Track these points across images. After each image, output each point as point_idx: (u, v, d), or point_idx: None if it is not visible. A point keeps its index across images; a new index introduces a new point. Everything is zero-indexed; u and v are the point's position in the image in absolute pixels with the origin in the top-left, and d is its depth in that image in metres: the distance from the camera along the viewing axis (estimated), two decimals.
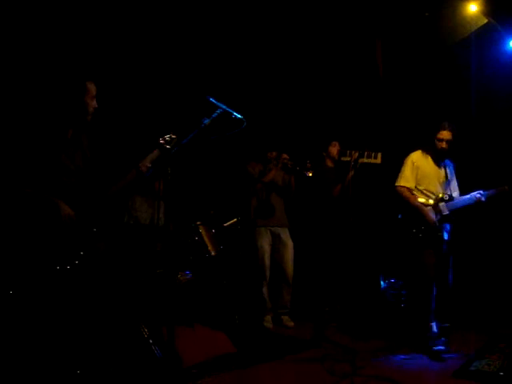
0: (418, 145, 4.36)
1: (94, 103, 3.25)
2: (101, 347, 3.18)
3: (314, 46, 5.72)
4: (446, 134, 4.14)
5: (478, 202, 4.09)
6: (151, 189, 4.32)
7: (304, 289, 5.24)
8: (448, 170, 4.23)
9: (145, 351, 3.28)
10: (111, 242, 3.55)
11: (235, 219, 4.75)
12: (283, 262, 4.95)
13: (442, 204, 4.15)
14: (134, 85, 4.91)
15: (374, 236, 5.34)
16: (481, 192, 4.10)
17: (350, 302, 5.01)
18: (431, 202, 4.17)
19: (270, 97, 5.79)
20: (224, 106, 3.14)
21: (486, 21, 5.02)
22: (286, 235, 5.01)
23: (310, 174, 4.58)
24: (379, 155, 4.97)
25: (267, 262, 4.90)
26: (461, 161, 4.44)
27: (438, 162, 4.26)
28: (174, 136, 3.21)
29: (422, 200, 4.20)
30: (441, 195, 4.16)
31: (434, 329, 3.99)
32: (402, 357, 3.91)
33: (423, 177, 4.25)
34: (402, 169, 4.33)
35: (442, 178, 4.23)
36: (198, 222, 4.37)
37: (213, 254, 4.28)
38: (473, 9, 4.98)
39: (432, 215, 4.12)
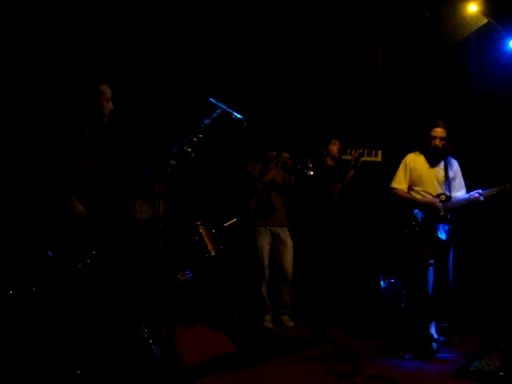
0: (418, 144, 4.36)
1: (109, 105, 3.30)
2: (101, 347, 3.18)
3: (314, 46, 5.72)
4: (439, 132, 4.12)
5: (476, 201, 4.04)
6: (151, 190, 4.32)
7: (304, 289, 5.24)
8: (450, 170, 4.19)
9: (145, 351, 3.27)
10: (120, 242, 3.57)
11: (235, 219, 4.75)
12: (283, 261, 4.95)
13: (437, 204, 4.12)
14: (133, 85, 4.91)
15: (374, 236, 5.34)
16: (479, 191, 4.05)
17: (349, 301, 5.01)
18: None
19: (269, 96, 5.78)
20: (224, 106, 3.14)
21: (485, 21, 5.02)
22: (285, 235, 5.01)
23: (311, 173, 4.57)
24: (380, 153, 4.97)
25: (266, 261, 4.90)
26: (461, 161, 4.43)
27: (434, 161, 4.23)
28: (194, 139, 3.21)
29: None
30: (439, 196, 4.14)
31: (432, 330, 3.99)
32: (402, 357, 3.91)
33: (419, 178, 4.24)
34: (397, 171, 4.35)
35: (442, 178, 4.20)
36: (198, 222, 4.37)
37: (213, 254, 4.28)
38: (473, 9, 4.97)
39: (433, 200, 4.11)
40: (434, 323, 4.00)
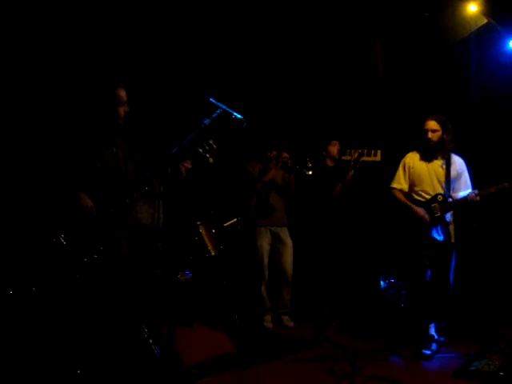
0: (416, 143, 4.33)
1: (124, 108, 3.33)
2: (101, 347, 3.18)
3: (314, 46, 5.72)
4: (430, 124, 4.05)
5: (472, 201, 3.96)
6: (151, 190, 4.32)
7: (304, 289, 5.24)
8: (452, 168, 4.08)
9: (145, 351, 3.28)
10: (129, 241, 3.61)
11: (235, 219, 4.75)
12: (283, 261, 4.95)
13: (434, 205, 4.06)
14: (133, 85, 4.90)
15: (374, 236, 5.34)
16: (476, 191, 3.99)
17: (349, 301, 5.01)
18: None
19: (270, 96, 5.78)
20: (224, 106, 3.14)
21: (485, 21, 5.02)
22: (285, 235, 5.01)
23: (310, 173, 4.57)
24: (379, 153, 4.97)
25: (266, 261, 4.90)
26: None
27: (430, 156, 4.14)
28: (214, 146, 3.22)
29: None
30: (436, 196, 4.07)
31: (432, 330, 3.98)
32: (402, 357, 3.91)
33: (418, 177, 4.18)
34: (396, 171, 4.33)
35: (442, 177, 4.11)
36: (198, 222, 4.37)
37: (213, 254, 4.29)
38: (473, 9, 4.97)
39: (422, 213, 4.05)
40: (433, 323, 4.00)
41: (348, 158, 5.00)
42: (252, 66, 5.65)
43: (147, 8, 4.90)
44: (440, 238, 4.02)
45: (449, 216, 4.11)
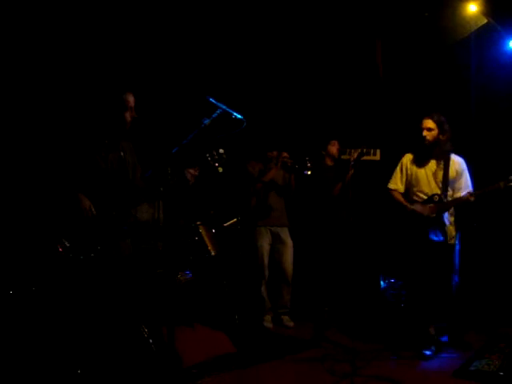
0: (415, 143, 4.31)
1: (131, 113, 3.37)
2: (101, 347, 3.18)
3: (314, 46, 5.72)
4: (426, 123, 4.02)
5: (466, 201, 3.93)
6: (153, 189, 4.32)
7: (304, 289, 5.24)
8: (451, 168, 4.03)
9: (145, 351, 3.27)
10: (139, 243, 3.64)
11: (235, 219, 4.75)
12: (283, 261, 4.95)
13: (430, 205, 4.02)
14: (133, 85, 4.90)
15: (374, 236, 5.34)
16: (470, 191, 3.97)
17: (349, 302, 5.01)
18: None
19: (270, 96, 5.78)
20: (224, 106, 3.14)
21: (485, 21, 5.02)
22: (285, 235, 5.01)
23: (309, 173, 4.58)
24: (378, 152, 4.97)
25: (266, 261, 4.90)
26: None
27: (426, 155, 4.10)
28: (224, 156, 3.22)
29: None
30: (432, 196, 4.03)
31: (432, 330, 3.98)
32: (402, 357, 3.91)
33: (415, 178, 4.14)
34: (394, 171, 4.31)
35: (440, 177, 4.06)
36: (198, 222, 4.37)
37: (213, 254, 4.28)
38: (473, 9, 4.97)
39: (419, 208, 4.03)
40: (433, 323, 3.99)
41: (347, 157, 5.00)
42: (252, 66, 5.65)
43: (148, 9, 4.91)
44: (437, 238, 3.99)
45: (447, 217, 4.07)
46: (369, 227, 5.36)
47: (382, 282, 5.05)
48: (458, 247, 4.09)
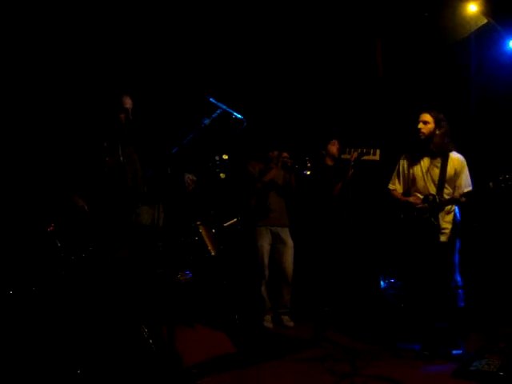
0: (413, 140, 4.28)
1: (127, 115, 3.36)
2: (101, 347, 3.18)
3: (314, 46, 5.72)
4: (423, 116, 3.98)
5: (456, 201, 3.89)
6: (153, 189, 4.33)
7: (304, 289, 5.24)
8: (449, 166, 3.96)
9: (145, 351, 3.27)
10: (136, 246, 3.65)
11: (235, 219, 4.75)
12: (283, 261, 4.95)
13: (424, 205, 3.98)
14: (133, 85, 4.91)
15: (374, 236, 5.34)
16: (461, 192, 3.91)
17: (349, 301, 5.01)
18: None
19: (270, 96, 5.78)
20: (224, 106, 3.14)
21: (485, 21, 5.02)
22: (286, 235, 5.01)
23: (309, 173, 4.58)
24: (378, 152, 4.96)
25: (266, 261, 4.90)
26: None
27: (424, 155, 4.04)
28: (227, 160, 3.23)
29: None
30: (427, 196, 3.97)
31: (431, 331, 3.97)
32: (402, 357, 3.91)
33: (412, 178, 4.10)
34: (394, 171, 4.29)
35: (436, 176, 3.99)
36: (198, 222, 4.37)
37: (213, 254, 4.28)
38: (473, 9, 4.97)
39: (412, 199, 4.02)
40: (434, 323, 3.99)
41: (347, 157, 5.00)
42: (252, 66, 5.65)
43: (148, 9, 4.91)
44: (431, 238, 3.95)
45: (442, 217, 3.99)
46: (369, 227, 5.36)
47: (381, 282, 5.05)
48: (458, 246, 4.06)
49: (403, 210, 4.11)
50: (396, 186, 4.23)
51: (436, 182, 3.99)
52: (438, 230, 3.96)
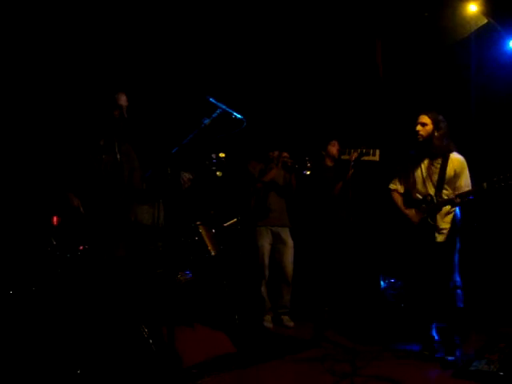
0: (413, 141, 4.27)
1: (122, 112, 3.36)
2: (101, 347, 3.18)
3: (314, 46, 5.72)
4: (420, 118, 3.96)
5: (453, 202, 3.83)
6: (154, 189, 4.32)
7: (304, 289, 5.24)
8: (450, 167, 3.91)
9: (145, 351, 3.27)
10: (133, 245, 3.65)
11: (235, 219, 4.75)
12: (283, 261, 4.95)
13: (422, 206, 3.95)
14: (133, 85, 4.91)
15: (374, 236, 5.34)
16: (456, 193, 3.87)
17: (350, 301, 5.01)
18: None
19: (270, 96, 5.78)
20: (224, 106, 3.14)
21: (485, 21, 5.02)
22: (286, 235, 5.01)
23: (308, 173, 4.58)
24: (377, 152, 4.96)
25: (266, 261, 4.90)
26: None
27: (423, 156, 4.01)
28: (223, 158, 3.22)
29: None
30: (425, 197, 3.94)
31: (432, 330, 3.97)
32: (402, 357, 3.91)
33: (413, 179, 4.06)
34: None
35: (435, 177, 3.95)
36: (198, 222, 4.37)
37: (213, 254, 4.28)
38: (473, 9, 4.97)
39: (411, 215, 3.99)
40: (434, 323, 3.99)
41: (347, 157, 5.00)
42: (252, 67, 5.65)
43: (148, 8, 4.91)
44: (437, 239, 3.94)
45: (441, 217, 3.95)
46: (369, 227, 5.36)
47: (382, 282, 5.05)
48: (457, 247, 4.04)
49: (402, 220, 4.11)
50: (397, 186, 4.21)
51: (438, 184, 3.94)
52: (435, 230, 3.92)
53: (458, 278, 3.96)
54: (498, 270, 5.01)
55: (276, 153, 4.92)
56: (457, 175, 3.94)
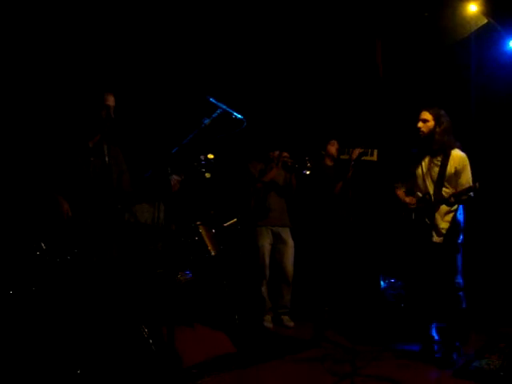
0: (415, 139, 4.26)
1: (109, 112, 3.36)
2: (101, 347, 3.18)
3: (314, 46, 5.72)
4: (422, 114, 3.91)
5: (448, 201, 3.78)
6: (154, 189, 4.32)
7: (304, 289, 5.24)
8: (451, 164, 3.84)
9: (145, 351, 3.27)
10: (122, 242, 3.63)
11: (235, 219, 4.75)
12: (283, 261, 4.95)
13: (420, 205, 3.91)
14: (133, 85, 4.91)
15: (374, 236, 5.34)
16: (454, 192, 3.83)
17: (349, 301, 5.01)
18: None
19: (270, 96, 5.79)
20: (224, 106, 3.14)
21: (485, 21, 5.02)
22: (286, 235, 5.01)
23: (308, 173, 4.58)
24: (375, 152, 4.96)
25: (267, 260, 4.90)
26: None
27: (425, 154, 3.96)
28: (212, 159, 3.20)
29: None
30: (426, 195, 3.89)
31: (432, 330, 3.97)
32: (402, 357, 3.91)
33: (414, 176, 4.01)
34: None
35: (435, 175, 3.89)
36: (198, 222, 4.37)
37: (213, 254, 4.28)
38: (473, 9, 4.97)
39: (408, 199, 3.97)
40: (434, 324, 3.99)
41: (346, 157, 5.01)
42: (252, 66, 5.65)
43: (148, 8, 4.91)
44: (436, 239, 3.92)
45: (441, 216, 3.90)
46: (369, 227, 5.36)
47: (382, 282, 5.05)
48: (460, 248, 3.99)
49: (402, 209, 4.09)
50: (399, 184, 4.18)
51: (439, 182, 3.87)
52: (431, 229, 3.87)
53: (460, 280, 3.90)
54: (497, 269, 5.01)
55: (276, 153, 4.92)
56: (457, 172, 3.86)
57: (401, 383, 3.38)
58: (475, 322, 4.58)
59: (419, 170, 4.00)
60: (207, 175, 3.16)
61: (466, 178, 3.84)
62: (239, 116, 3.15)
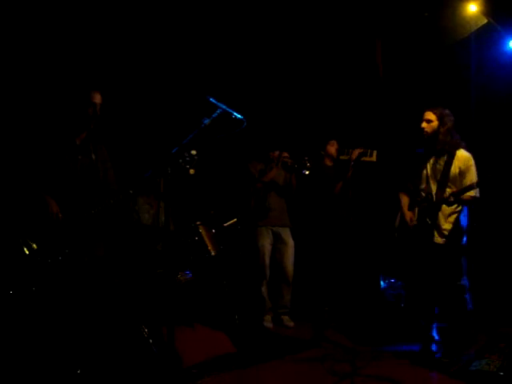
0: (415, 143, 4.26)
1: (96, 112, 3.36)
2: (101, 347, 3.18)
3: (314, 46, 5.72)
4: (426, 115, 3.88)
5: (448, 202, 3.76)
6: (154, 189, 4.32)
7: (304, 289, 5.24)
8: (455, 165, 3.80)
9: (145, 351, 3.28)
10: (113, 244, 3.62)
11: (235, 219, 4.75)
12: (283, 261, 4.95)
13: (422, 205, 3.89)
14: (134, 85, 4.91)
15: (374, 236, 5.34)
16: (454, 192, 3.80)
17: (349, 301, 5.01)
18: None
19: (270, 97, 5.78)
20: (224, 106, 3.14)
21: (485, 21, 5.01)
22: (287, 235, 5.01)
23: (307, 173, 4.58)
24: (374, 153, 4.96)
25: (267, 260, 4.90)
26: None
27: (429, 154, 3.93)
28: (196, 157, 3.18)
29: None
30: (428, 195, 3.86)
31: (432, 330, 3.97)
32: (402, 357, 3.91)
33: (418, 177, 3.98)
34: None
35: (439, 174, 3.85)
36: (198, 222, 4.37)
37: (213, 254, 4.29)
38: (473, 9, 4.97)
39: (408, 217, 3.95)
40: (434, 324, 3.99)
41: (346, 157, 5.01)
42: (252, 66, 5.65)
43: (148, 8, 4.91)
44: (436, 240, 3.90)
45: (444, 217, 3.88)
46: (369, 227, 5.36)
47: (382, 282, 5.05)
48: (463, 249, 3.97)
49: (400, 226, 4.08)
50: (404, 185, 4.16)
51: (442, 182, 3.83)
52: (433, 230, 3.84)
53: (465, 282, 3.89)
54: (497, 269, 5.01)
55: (276, 153, 4.92)
56: (462, 173, 3.82)
57: (401, 383, 3.38)
58: (475, 322, 4.58)
59: (424, 171, 3.97)
60: (191, 171, 3.14)
61: (470, 179, 3.79)
62: (239, 116, 3.15)
